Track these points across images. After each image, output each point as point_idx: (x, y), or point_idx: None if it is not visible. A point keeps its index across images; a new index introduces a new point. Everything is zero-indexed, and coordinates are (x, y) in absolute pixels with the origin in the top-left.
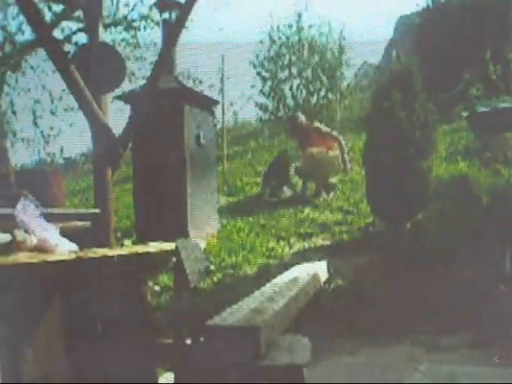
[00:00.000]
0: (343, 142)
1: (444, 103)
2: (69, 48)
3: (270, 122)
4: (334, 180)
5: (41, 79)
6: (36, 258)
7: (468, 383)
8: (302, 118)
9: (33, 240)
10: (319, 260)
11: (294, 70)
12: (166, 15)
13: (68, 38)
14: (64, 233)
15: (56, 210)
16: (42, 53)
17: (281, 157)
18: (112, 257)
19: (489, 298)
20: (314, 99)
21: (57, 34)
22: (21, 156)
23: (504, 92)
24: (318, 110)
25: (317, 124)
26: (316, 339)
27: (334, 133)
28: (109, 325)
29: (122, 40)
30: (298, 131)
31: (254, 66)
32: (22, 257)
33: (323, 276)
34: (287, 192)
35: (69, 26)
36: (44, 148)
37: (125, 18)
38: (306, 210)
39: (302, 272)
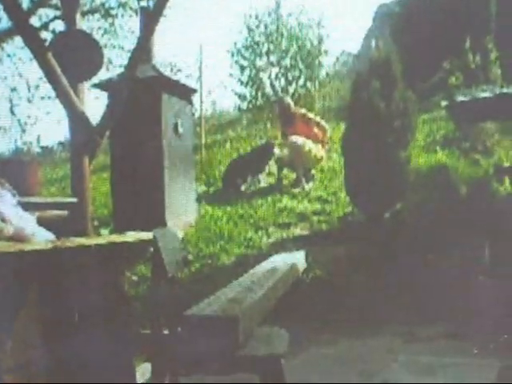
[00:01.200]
0: (328, 133)
1: (423, 92)
2: (46, 35)
3: (248, 111)
4: (313, 171)
5: (17, 67)
6: (13, 247)
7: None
8: (291, 102)
9: (9, 229)
10: (297, 250)
11: (273, 59)
12: (143, 3)
13: (45, 26)
14: (41, 222)
15: (33, 199)
16: (18, 40)
17: (266, 145)
18: (89, 246)
19: (467, 288)
20: (292, 88)
21: (34, 21)
22: None
23: (483, 81)
24: (297, 99)
25: (306, 112)
26: (294, 330)
27: (323, 122)
28: (86, 315)
29: (100, 28)
30: (284, 115)
31: (232, 55)
32: None
33: (302, 266)
34: (262, 182)
35: (46, 13)
36: (21, 137)
37: (102, 5)
38: (285, 200)
39: (281, 262)
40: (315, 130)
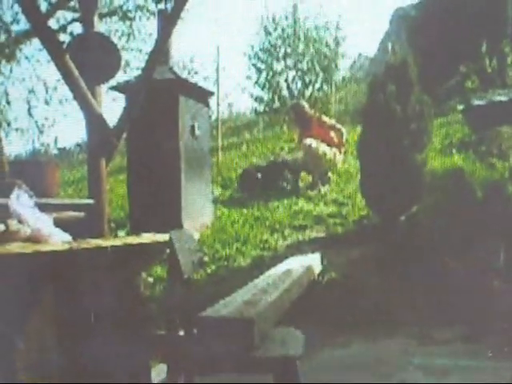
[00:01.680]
0: (345, 136)
1: (439, 96)
2: (64, 38)
3: (264, 114)
4: (329, 174)
5: (35, 69)
6: (29, 248)
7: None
8: (306, 106)
9: (26, 230)
10: (313, 252)
11: (290, 62)
12: (161, 5)
13: (63, 28)
14: (58, 223)
15: (50, 201)
16: (36, 42)
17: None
18: (106, 248)
19: (482, 291)
20: (308, 91)
21: (52, 23)
22: (15, 146)
23: (499, 85)
24: (313, 102)
25: (321, 115)
26: (309, 332)
27: (338, 125)
28: (102, 316)
29: (117, 30)
30: (300, 119)
31: (249, 58)
32: (15, 247)
33: (317, 268)
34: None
35: (64, 15)
36: (38, 138)
37: (120, 7)
38: (301, 203)
39: (296, 264)
40: (331, 133)
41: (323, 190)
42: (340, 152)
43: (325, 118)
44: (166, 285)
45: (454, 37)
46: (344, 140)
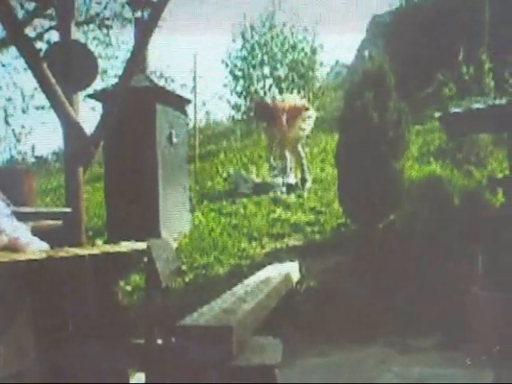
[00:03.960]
0: (312, 114)
1: (417, 103)
2: (41, 46)
3: (242, 122)
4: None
5: (12, 77)
6: (7, 256)
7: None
8: (268, 100)
9: (3, 239)
10: (291, 261)
11: (267, 70)
12: (138, 14)
13: (40, 36)
14: (35, 232)
15: (27, 209)
16: (13, 50)
17: None
18: (83, 256)
19: (460, 299)
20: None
21: (29, 31)
22: None
23: (477, 93)
24: None
25: (285, 99)
26: (287, 340)
27: (298, 101)
28: (80, 324)
29: (94, 38)
30: (265, 115)
31: (226, 65)
32: None
33: (295, 276)
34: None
35: (41, 23)
36: (15, 146)
37: (97, 15)
38: (278, 211)
39: (274, 272)
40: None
41: (304, 190)
42: (305, 122)
43: (288, 102)
44: (144, 293)
45: (431, 44)
46: (306, 108)
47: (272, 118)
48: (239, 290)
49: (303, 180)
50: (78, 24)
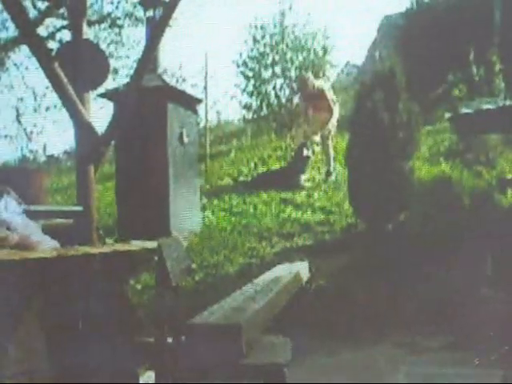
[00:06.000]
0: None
1: (427, 104)
2: (52, 45)
3: (253, 122)
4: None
5: (24, 76)
6: (17, 255)
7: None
8: (311, 78)
9: (14, 237)
10: (301, 260)
11: (278, 70)
12: (150, 13)
13: (52, 35)
14: (46, 230)
15: (38, 208)
16: (25, 50)
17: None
18: (94, 255)
19: (470, 300)
20: (296, 99)
21: (41, 31)
22: (3, 153)
23: (487, 93)
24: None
25: (321, 85)
26: (296, 339)
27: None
28: (90, 323)
29: (106, 38)
30: (304, 91)
31: (238, 65)
32: (4, 254)
33: (305, 276)
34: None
35: (53, 23)
36: (27, 145)
37: (109, 15)
38: (288, 210)
39: (284, 271)
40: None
41: (333, 177)
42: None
43: (326, 93)
44: (154, 292)
45: (441, 45)
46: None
47: (319, 98)
48: (249, 288)
49: (328, 173)
50: (90, 23)
